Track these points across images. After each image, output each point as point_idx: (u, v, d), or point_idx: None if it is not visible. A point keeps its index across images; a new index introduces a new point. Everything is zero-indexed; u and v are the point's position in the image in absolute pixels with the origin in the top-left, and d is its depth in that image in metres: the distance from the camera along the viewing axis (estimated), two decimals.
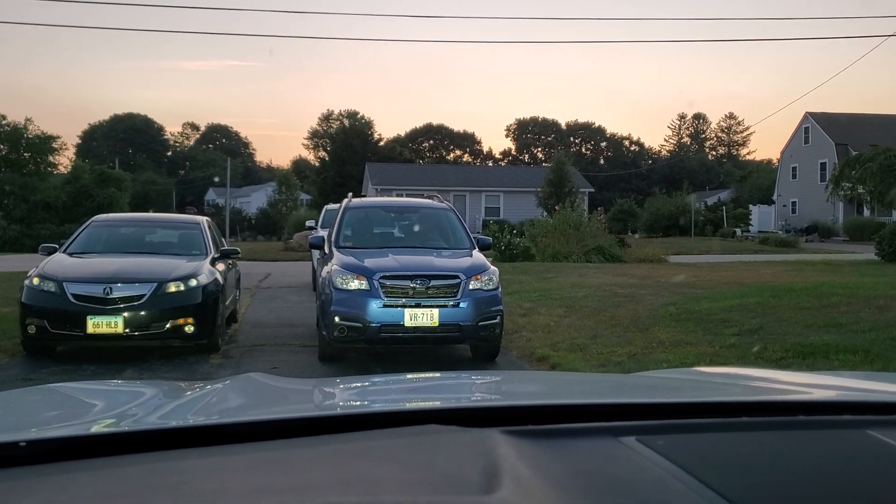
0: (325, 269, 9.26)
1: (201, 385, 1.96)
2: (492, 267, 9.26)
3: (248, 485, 1.05)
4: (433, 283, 8.63)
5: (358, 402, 1.89)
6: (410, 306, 8.50)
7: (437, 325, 8.52)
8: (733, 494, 1.03)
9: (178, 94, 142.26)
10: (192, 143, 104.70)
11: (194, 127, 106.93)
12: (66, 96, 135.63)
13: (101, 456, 1.13)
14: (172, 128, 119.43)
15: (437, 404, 1.69)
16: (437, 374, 2.78)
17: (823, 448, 1.26)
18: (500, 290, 9.11)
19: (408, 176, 51.91)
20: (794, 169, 57.64)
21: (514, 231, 27.58)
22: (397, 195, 35.98)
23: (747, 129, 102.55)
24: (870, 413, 1.44)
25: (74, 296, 8.80)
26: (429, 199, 11.62)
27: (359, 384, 2.21)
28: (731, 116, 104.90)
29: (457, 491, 1.02)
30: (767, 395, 1.76)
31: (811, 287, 13.64)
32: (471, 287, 8.70)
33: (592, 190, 52.64)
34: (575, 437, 1.24)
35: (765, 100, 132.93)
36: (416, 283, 8.58)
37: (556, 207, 29.47)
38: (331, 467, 1.10)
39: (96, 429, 1.45)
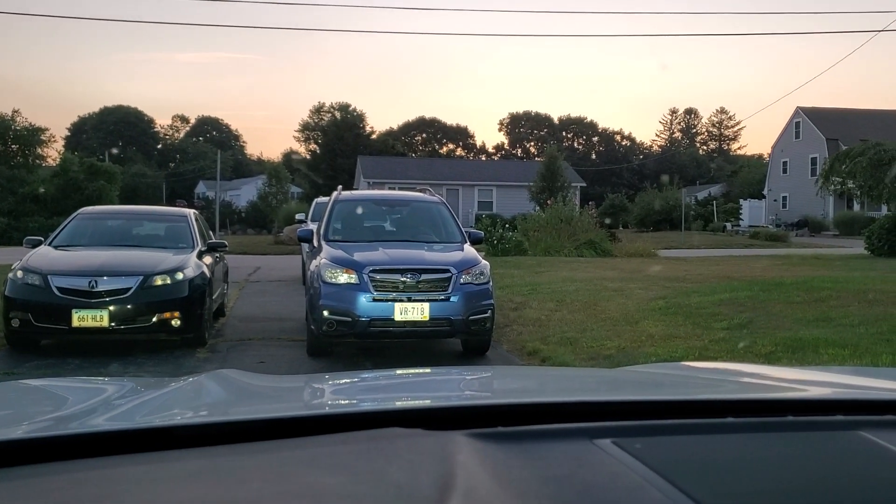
0: (314, 262, 9.19)
1: (170, 382, 1.89)
2: (483, 261, 9.20)
3: (178, 498, 0.96)
4: (424, 277, 8.57)
5: (322, 403, 1.79)
6: (401, 300, 8.43)
7: (427, 319, 8.46)
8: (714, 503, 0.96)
9: (169, 87, 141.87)
10: (182, 135, 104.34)
11: (184, 119, 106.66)
12: (54, 88, 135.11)
13: (17, 464, 1.03)
14: (163, 120, 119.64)
15: (398, 405, 1.58)
16: (418, 371, 2.67)
17: (813, 451, 1.18)
18: (491, 284, 9.06)
19: (400, 169, 51.79)
20: (784, 163, 57.82)
21: (507, 225, 27.57)
22: (389, 189, 35.87)
23: (738, 123, 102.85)
24: (862, 413, 1.36)
25: (59, 289, 8.71)
26: (420, 192, 11.55)
27: (331, 383, 2.09)
28: (722, 111, 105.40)
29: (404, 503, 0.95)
30: (754, 394, 1.68)
31: (801, 281, 13.65)
32: (462, 281, 8.64)
33: (584, 184, 52.66)
34: (547, 439, 1.15)
35: (756, 94, 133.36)
36: (407, 277, 8.52)
37: (549, 202, 29.49)
38: (274, 477, 1.01)
39: (6, 434, 1.28)
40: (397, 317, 8.40)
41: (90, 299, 8.71)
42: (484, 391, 2.06)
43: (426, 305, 8.44)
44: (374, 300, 8.41)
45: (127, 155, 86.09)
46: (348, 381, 2.19)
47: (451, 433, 1.14)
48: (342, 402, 1.83)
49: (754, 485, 1.05)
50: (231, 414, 1.55)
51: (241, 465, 1.06)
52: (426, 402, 1.69)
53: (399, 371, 2.61)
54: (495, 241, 23.83)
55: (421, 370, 2.92)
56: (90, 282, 8.75)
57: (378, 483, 0.99)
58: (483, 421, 1.21)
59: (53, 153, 47.37)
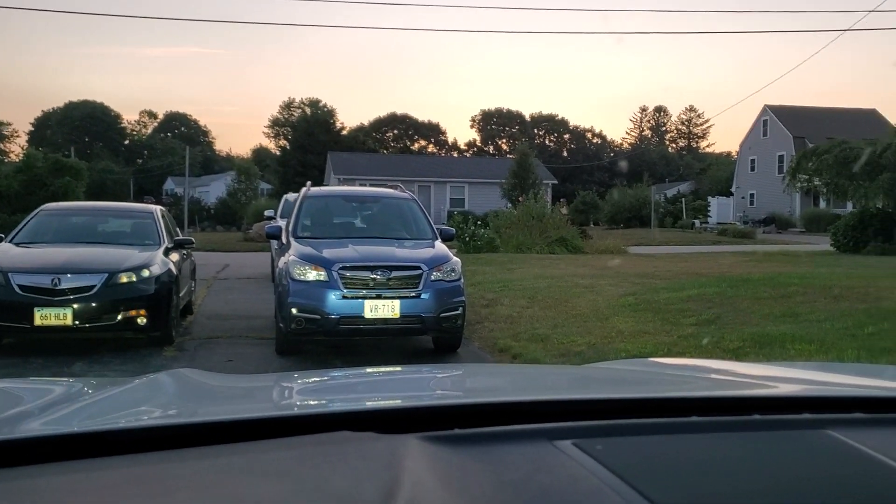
0: (283, 259, 9.10)
1: (125, 382, 1.82)
2: (454, 258, 9.17)
3: None
4: (394, 274, 8.51)
5: (272, 405, 1.70)
6: (371, 298, 8.37)
7: (398, 316, 8.41)
8: None
9: (136, 81, 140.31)
10: (150, 131, 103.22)
11: (152, 115, 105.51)
12: (16, 82, 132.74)
13: None
14: (130, 115, 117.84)
15: (347, 407, 1.49)
16: (383, 370, 2.60)
17: (781, 451, 1.14)
18: (462, 281, 9.03)
19: (371, 166, 51.59)
20: (752, 161, 58.44)
21: (479, 222, 27.58)
22: (360, 185, 35.68)
23: (707, 121, 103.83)
24: (829, 410, 1.34)
25: (21, 287, 8.53)
26: (391, 189, 11.49)
27: (288, 383, 2.00)
28: (691, 109, 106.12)
29: None
30: (720, 391, 1.64)
31: (768, 277, 13.78)
32: (433, 278, 8.60)
33: (556, 182, 52.84)
34: (504, 441, 1.10)
35: (725, 93, 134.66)
36: (377, 275, 8.46)
37: (520, 199, 29.55)
38: (205, 486, 0.95)
39: None
40: (367, 314, 8.34)
41: (53, 297, 8.55)
42: (445, 390, 2.00)
43: (397, 303, 8.40)
44: (344, 297, 8.35)
45: (93, 151, 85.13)
46: (308, 380, 2.10)
47: (404, 436, 1.10)
48: (294, 403, 1.74)
49: (719, 487, 1.01)
50: (171, 417, 1.47)
51: (172, 473, 0.99)
52: (378, 404, 1.61)
53: (366, 370, 2.53)
54: (467, 238, 23.82)
55: (386, 369, 2.86)
56: (53, 279, 8.59)
57: (318, 492, 0.94)
58: (439, 422, 1.16)
59: (17, 148, 46.69)
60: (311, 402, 1.76)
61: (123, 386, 1.79)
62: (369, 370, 2.45)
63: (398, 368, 3.08)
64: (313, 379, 2.17)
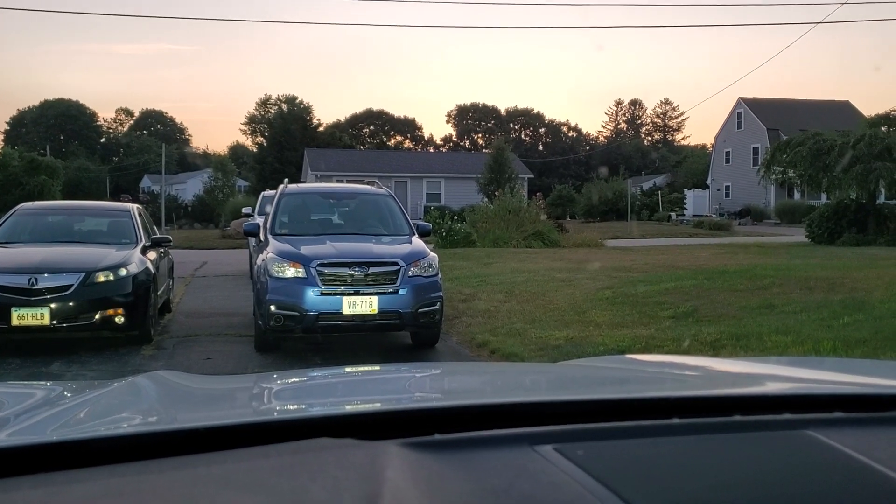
0: (261, 256, 9.08)
1: (101, 385, 1.80)
2: (431, 253, 9.19)
3: None
4: (372, 270, 8.53)
5: (248, 411, 1.66)
6: (349, 294, 8.39)
7: (376, 312, 8.43)
8: None
9: (111, 79, 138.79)
10: (125, 129, 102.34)
11: (128, 113, 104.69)
12: None
13: None
14: (105, 113, 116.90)
15: (325, 412, 1.46)
16: (363, 369, 2.57)
17: (762, 453, 1.14)
18: (439, 276, 9.06)
19: (348, 162, 51.48)
20: (727, 153, 58.86)
21: (455, 217, 27.59)
22: (337, 181, 35.59)
23: (682, 114, 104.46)
24: (809, 409, 1.33)
25: None
26: (368, 185, 11.49)
27: (267, 385, 1.94)
28: (666, 102, 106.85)
29: None
30: (700, 391, 1.63)
31: (744, 269, 13.92)
32: (410, 274, 8.62)
33: (532, 176, 52.97)
34: (486, 446, 1.09)
35: (699, 86, 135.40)
36: (355, 271, 8.47)
37: (497, 193, 29.57)
38: (179, 499, 0.92)
39: None
40: (346, 310, 8.35)
41: (30, 297, 8.49)
42: (425, 392, 1.99)
43: (374, 299, 8.41)
44: (322, 294, 8.35)
45: (69, 149, 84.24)
46: (287, 382, 2.07)
47: (384, 443, 1.08)
48: (272, 408, 1.71)
49: (701, 491, 1.01)
50: (148, 425, 1.44)
51: (149, 485, 0.96)
52: (357, 408, 1.57)
53: (345, 369, 2.49)
54: (444, 234, 23.83)
55: (365, 368, 2.82)
56: (30, 279, 8.53)
57: None
58: (419, 426, 1.15)
59: None
60: (290, 407, 1.73)
61: (101, 390, 1.76)
62: (348, 370, 2.41)
63: (377, 368, 3.02)
64: (293, 380, 2.14)
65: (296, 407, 1.72)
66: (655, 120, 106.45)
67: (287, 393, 1.88)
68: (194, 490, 0.95)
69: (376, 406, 1.59)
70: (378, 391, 1.93)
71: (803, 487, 1.05)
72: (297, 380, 2.15)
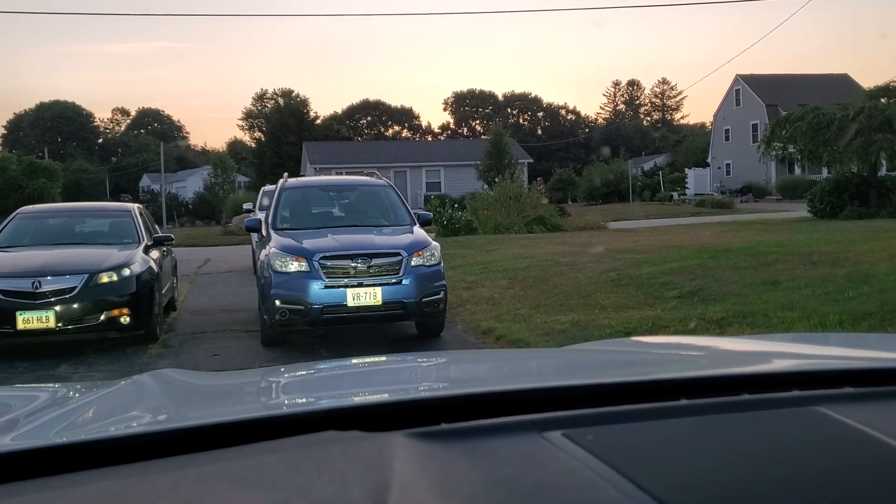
0: (264, 251, 9.09)
1: (106, 385, 1.79)
2: (433, 242, 9.19)
3: None
4: (374, 261, 8.53)
5: (254, 406, 1.64)
6: (352, 286, 8.39)
7: (380, 303, 8.43)
8: (672, 497, 0.91)
9: (106, 79, 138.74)
10: (123, 129, 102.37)
11: (125, 112, 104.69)
12: None
13: None
14: (102, 114, 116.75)
15: (330, 404, 1.43)
16: (370, 360, 2.56)
17: (771, 431, 1.13)
18: (442, 265, 9.06)
19: (346, 154, 51.40)
20: (726, 131, 58.72)
21: (456, 205, 27.55)
22: (336, 174, 35.54)
23: (680, 93, 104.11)
24: (818, 386, 1.32)
25: (2, 291, 8.48)
26: (367, 176, 11.48)
27: (272, 379, 1.93)
28: (664, 82, 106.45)
29: None
30: (708, 371, 1.61)
31: (748, 247, 13.90)
32: (413, 263, 8.62)
33: (531, 160, 52.84)
34: (494, 434, 1.08)
35: (697, 64, 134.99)
36: (358, 263, 8.47)
37: (497, 179, 29.52)
38: (187, 498, 0.91)
39: None
40: (350, 302, 8.35)
41: (35, 300, 8.51)
42: (431, 381, 1.97)
43: (378, 290, 8.41)
44: (326, 287, 8.36)
45: (67, 151, 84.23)
46: (294, 375, 2.05)
47: (391, 434, 1.07)
48: (278, 402, 1.68)
49: (712, 471, 1.00)
50: (153, 424, 1.42)
51: (154, 486, 0.95)
52: (363, 399, 1.54)
53: (352, 361, 2.49)
54: (445, 222, 23.80)
55: (372, 359, 2.81)
56: (34, 282, 8.54)
57: (305, 500, 0.90)
58: (426, 416, 1.13)
59: None
60: (296, 400, 1.71)
61: (106, 390, 1.75)
62: (355, 361, 2.41)
63: (383, 359, 3.01)
64: (300, 373, 2.12)
65: (302, 400, 1.70)
66: (654, 100, 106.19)
67: (292, 386, 1.86)
68: (200, 489, 0.94)
69: (382, 397, 1.56)
70: (384, 382, 1.91)
71: (814, 464, 1.04)
72: (303, 373, 2.13)
